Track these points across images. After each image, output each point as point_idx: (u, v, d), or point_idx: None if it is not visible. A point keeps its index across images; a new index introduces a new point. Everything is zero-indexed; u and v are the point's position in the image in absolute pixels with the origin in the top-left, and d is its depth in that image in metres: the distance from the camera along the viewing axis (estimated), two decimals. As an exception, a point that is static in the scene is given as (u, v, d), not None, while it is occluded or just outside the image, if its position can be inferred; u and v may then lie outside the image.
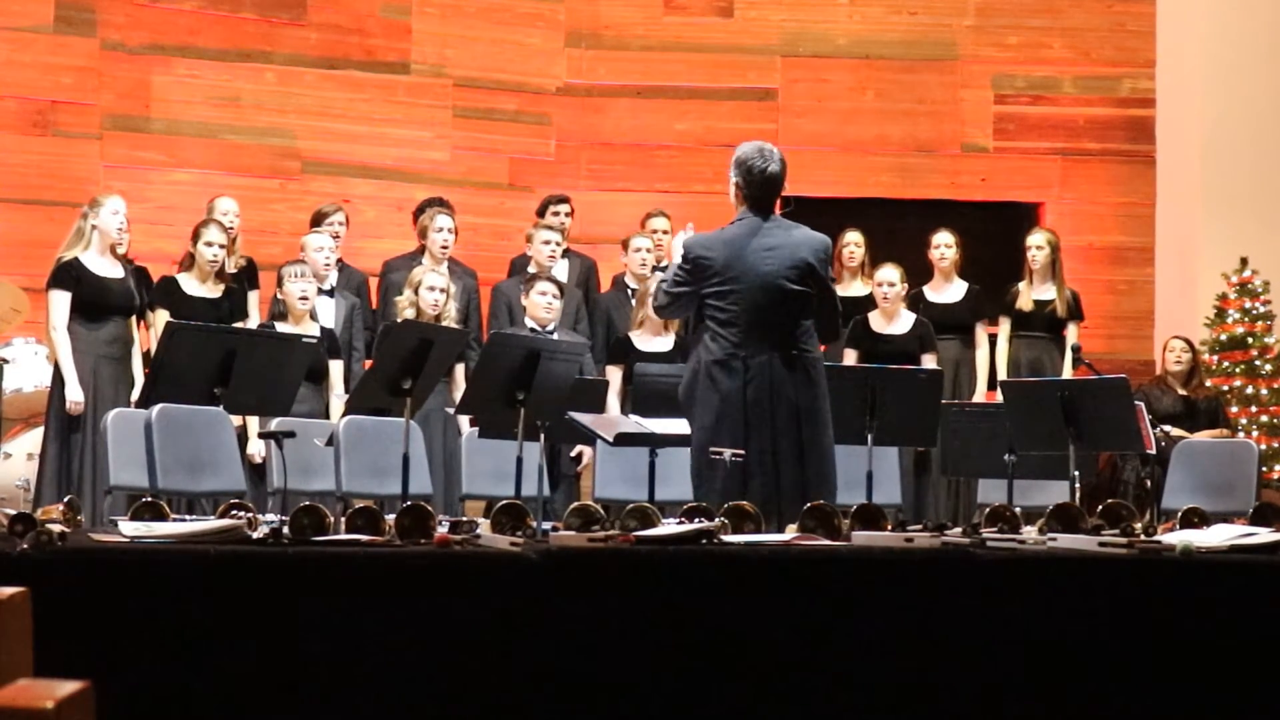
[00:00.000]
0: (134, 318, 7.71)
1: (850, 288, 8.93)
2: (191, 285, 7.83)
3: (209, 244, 7.81)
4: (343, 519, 4.46)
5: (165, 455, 6.25)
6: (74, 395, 7.37)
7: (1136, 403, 6.58)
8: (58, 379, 7.46)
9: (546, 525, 4.85)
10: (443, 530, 4.37)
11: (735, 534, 4.69)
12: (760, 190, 5.83)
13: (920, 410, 6.80)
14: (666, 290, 5.97)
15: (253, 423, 7.46)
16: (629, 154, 10.59)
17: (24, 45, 9.39)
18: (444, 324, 7.41)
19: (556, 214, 9.06)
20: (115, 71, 9.60)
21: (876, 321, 8.53)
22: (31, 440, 7.88)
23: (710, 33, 10.67)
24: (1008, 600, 4.46)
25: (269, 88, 9.95)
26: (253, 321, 8.05)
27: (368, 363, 7.66)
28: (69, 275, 7.47)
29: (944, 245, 8.96)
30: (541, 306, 7.90)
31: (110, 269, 7.58)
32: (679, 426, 6.07)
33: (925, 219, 9.40)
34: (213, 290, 7.86)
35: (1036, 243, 8.96)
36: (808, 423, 5.70)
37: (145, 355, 7.71)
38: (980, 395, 8.64)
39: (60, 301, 7.44)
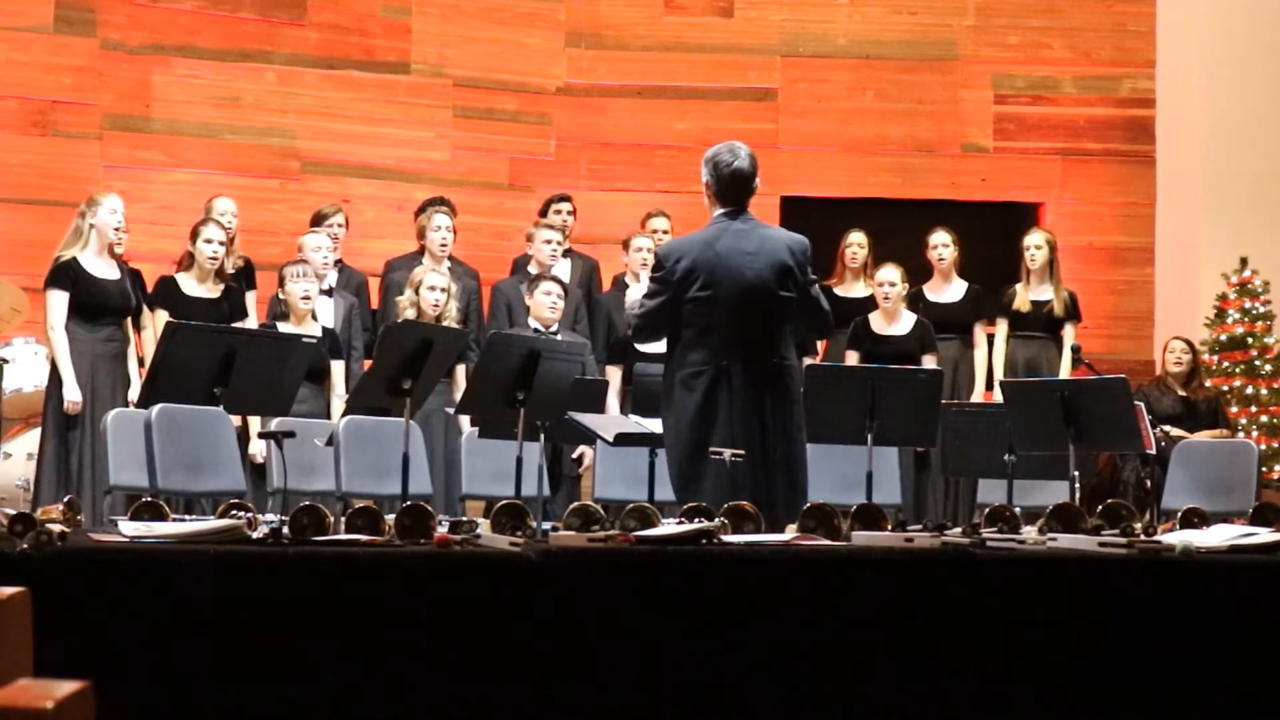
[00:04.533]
0: (129, 319, 7.71)
1: (853, 289, 8.93)
2: (190, 285, 7.83)
3: (208, 241, 7.81)
4: (343, 519, 4.45)
5: (165, 455, 6.24)
6: (72, 395, 7.38)
7: (1136, 403, 6.57)
8: (55, 379, 7.47)
9: (546, 525, 4.84)
10: (443, 530, 4.37)
11: (735, 534, 4.68)
12: (729, 187, 5.63)
13: (920, 410, 6.79)
14: (639, 313, 5.68)
15: (253, 423, 7.46)
16: (629, 154, 10.58)
17: (24, 45, 9.38)
18: (445, 324, 7.40)
19: (559, 213, 9.05)
20: (115, 71, 9.60)
21: (877, 322, 8.52)
22: (31, 440, 7.88)
23: (710, 33, 10.66)
24: (1008, 600, 4.46)
25: (269, 88, 9.95)
26: (251, 322, 8.05)
27: (367, 363, 7.65)
28: (66, 275, 7.47)
29: (941, 245, 8.95)
30: (546, 306, 7.90)
31: (107, 270, 7.59)
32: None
33: (925, 219, 9.38)
34: (212, 290, 7.85)
35: (1035, 243, 8.95)
36: (784, 435, 5.57)
37: (140, 358, 7.71)
38: (978, 395, 8.63)
39: (58, 301, 7.44)
